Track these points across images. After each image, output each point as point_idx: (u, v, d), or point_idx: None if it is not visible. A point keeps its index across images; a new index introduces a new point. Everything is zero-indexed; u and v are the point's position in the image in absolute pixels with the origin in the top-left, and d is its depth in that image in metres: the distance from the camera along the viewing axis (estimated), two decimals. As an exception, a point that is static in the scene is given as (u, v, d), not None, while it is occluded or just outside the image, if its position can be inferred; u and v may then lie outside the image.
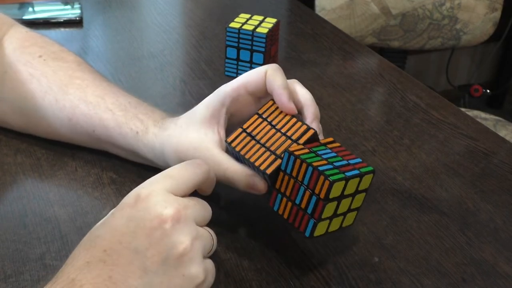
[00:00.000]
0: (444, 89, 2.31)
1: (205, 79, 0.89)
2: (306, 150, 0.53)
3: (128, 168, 0.67)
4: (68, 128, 0.67)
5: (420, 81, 0.91)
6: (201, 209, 0.51)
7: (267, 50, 0.86)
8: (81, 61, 0.71)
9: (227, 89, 0.59)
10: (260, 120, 0.57)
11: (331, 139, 0.56)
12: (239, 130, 0.57)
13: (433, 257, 0.59)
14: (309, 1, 1.36)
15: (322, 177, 0.50)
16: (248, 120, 0.58)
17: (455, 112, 0.84)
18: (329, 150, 0.54)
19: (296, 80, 0.60)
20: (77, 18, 1.04)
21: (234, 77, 0.88)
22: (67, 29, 1.03)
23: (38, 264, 0.56)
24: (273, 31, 0.87)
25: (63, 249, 0.57)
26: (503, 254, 0.60)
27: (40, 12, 1.06)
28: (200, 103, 0.61)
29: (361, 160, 0.53)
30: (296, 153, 0.52)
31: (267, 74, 0.58)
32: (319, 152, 0.53)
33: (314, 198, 0.51)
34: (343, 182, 0.50)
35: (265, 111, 0.58)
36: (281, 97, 0.57)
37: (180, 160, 0.58)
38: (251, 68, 0.88)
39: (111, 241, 0.46)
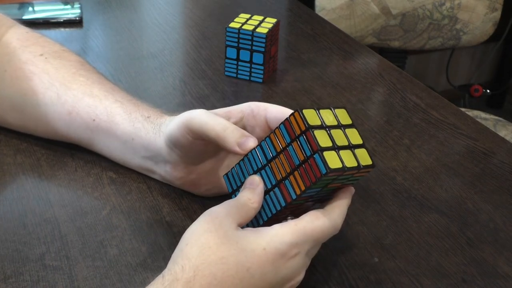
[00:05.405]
0: (444, 89, 2.31)
1: (205, 79, 0.89)
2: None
3: (128, 168, 0.67)
4: (65, 123, 0.67)
5: (420, 81, 0.91)
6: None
7: (267, 50, 0.86)
8: (84, 61, 0.71)
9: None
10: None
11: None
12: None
13: (433, 257, 0.59)
14: (309, 1, 1.36)
15: (292, 118, 0.51)
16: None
17: (455, 112, 0.84)
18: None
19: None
20: (77, 18, 1.04)
21: (234, 77, 0.90)
22: (67, 29, 1.03)
23: (38, 265, 0.55)
24: (273, 31, 0.87)
25: (62, 249, 0.57)
26: (503, 254, 0.60)
27: (40, 12, 1.06)
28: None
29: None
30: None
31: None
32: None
33: (301, 139, 0.51)
34: (313, 110, 0.52)
35: None
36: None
37: (177, 127, 0.57)
38: (251, 68, 0.88)
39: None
